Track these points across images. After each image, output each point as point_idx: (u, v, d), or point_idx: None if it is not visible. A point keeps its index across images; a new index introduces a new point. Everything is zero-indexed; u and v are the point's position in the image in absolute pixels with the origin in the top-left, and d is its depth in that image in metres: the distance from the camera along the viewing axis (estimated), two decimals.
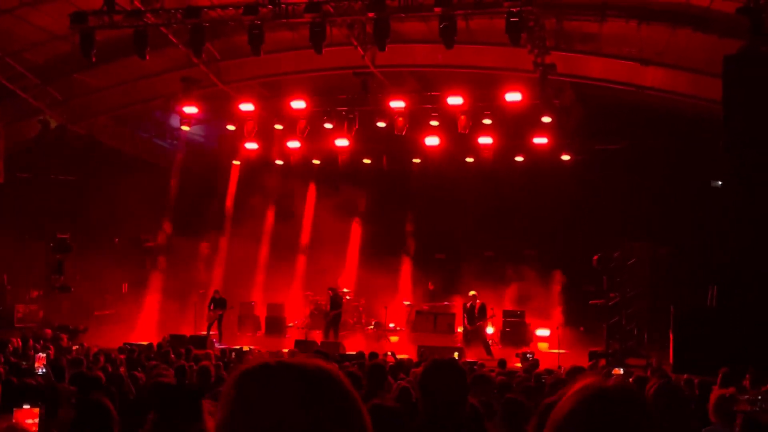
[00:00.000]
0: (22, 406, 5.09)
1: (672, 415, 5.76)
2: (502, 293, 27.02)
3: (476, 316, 24.18)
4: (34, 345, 17.12)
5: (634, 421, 1.85)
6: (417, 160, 28.16)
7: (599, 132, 25.76)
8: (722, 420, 6.57)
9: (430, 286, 28.70)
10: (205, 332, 24.78)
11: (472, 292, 24.78)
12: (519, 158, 27.10)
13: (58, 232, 26.18)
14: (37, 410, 4.33)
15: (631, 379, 10.21)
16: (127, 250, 29.62)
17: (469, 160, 27.63)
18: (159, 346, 18.80)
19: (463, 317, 24.83)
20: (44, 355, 11.36)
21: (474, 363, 17.14)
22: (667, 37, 20.19)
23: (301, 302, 28.79)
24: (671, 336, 18.50)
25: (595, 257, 22.81)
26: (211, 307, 25.64)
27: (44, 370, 10.28)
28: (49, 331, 22.57)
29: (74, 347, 18.83)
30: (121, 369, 11.92)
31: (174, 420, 4.89)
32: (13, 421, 3.80)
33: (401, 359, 18.09)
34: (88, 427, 5.94)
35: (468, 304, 24.60)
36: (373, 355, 18.00)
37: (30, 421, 4.18)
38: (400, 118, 24.24)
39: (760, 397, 5.60)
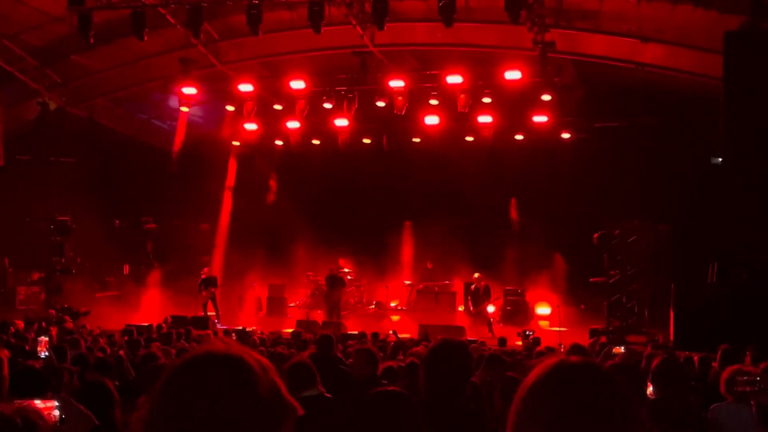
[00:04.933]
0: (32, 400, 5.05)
1: (672, 391, 5.78)
2: (502, 272, 27.06)
3: (481, 298, 24.25)
4: (39, 327, 17.17)
5: (599, 394, 1.88)
6: (417, 140, 28.09)
7: (599, 110, 25.69)
8: (734, 397, 6.59)
9: (429, 266, 28.76)
10: (201, 314, 24.82)
11: (476, 275, 24.83)
12: (519, 137, 27.05)
13: (58, 215, 26.19)
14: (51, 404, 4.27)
15: (644, 357, 10.21)
16: (128, 232, 29.68)
17: (469, 139, 27.59)
18: (159, 327, 18.87)
19: (467, 299, 24.87)
20: (46, 338, 11.36)
21: (474, 341, 17.22)
22: (667, 13, 20.07)
23: (302, 282, 28.85)
24: (672, 313, 18.53)
25: (596, 235, 22.82)
26: (202, 287, 25.64)
27: (47, 354, 10.30)
28: (53, 312, 22.65)
29: (80, 328, 18.92)
30: (121, 352, 11.95)
31: None
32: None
33: (403, 338, 18.18)
34: (89, 408, 5.97)
35: (473, 287, 24.65)
36: (375, 335, 18.14)
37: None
38: (400, 98, 24.18)
39: (758, 378, 5.59)
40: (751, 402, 5.60)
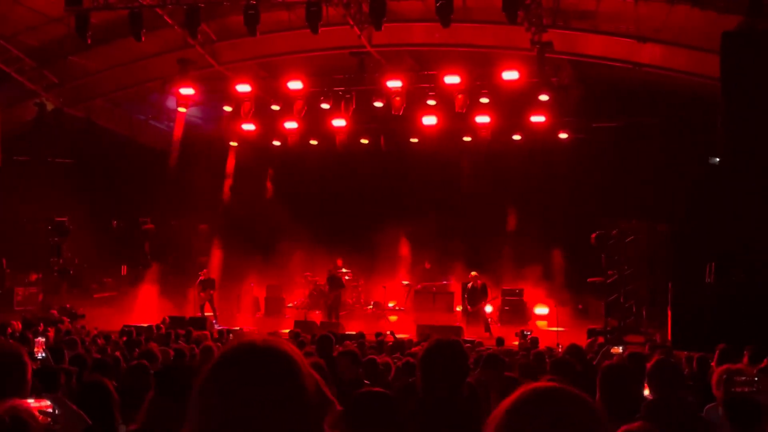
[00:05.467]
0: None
1: (670, 391, 5.78)
2: (500, 272, 27.06)
3: (478, 296, 24.23)
4: (36, 329, 17.14)
5: (571, 419, 1.91)
6: (415, 140, 28.09)
7: (597, 110, 25.70)
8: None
9: (427, 266, 28.75)
10: (199, 315, 24.80)
11: (473, 273, 24.81)
12: (516, 137, 27.06)
13: (56, 215, 26.17)
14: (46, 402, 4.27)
15: (625, 354, 10.24)
16: (125, 233, 29.64)
17: (467, 139, 27.62)
18: (158, 327, 18.87)
19: (464, 298, 24.85)
20: (43, 339, 11.36)
21: (472, 341, 17.22)
22: (665, 13, 20.07)
23: (300, 283, 28.82)
24: (669, 313, 18.54)
25: (594, 235, 22.82)
26: (200, 289, 25.65)
27: (44, 355, 10.29)
28: (54, 312, 22.63)
29: (79, 329, 18.90)
30: (117, 352, 11.94)
31: (172, 400, 4.91)
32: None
33: (401, 338, 18.16)
34: (89, 408, 5.96)
35: (469, 285, 24.63)
36: (378, 335, 18.13)
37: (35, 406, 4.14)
38: (398, 98, 24.18)
39: (756, 378, 5.61)
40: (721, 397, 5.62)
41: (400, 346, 15.60)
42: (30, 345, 12.41)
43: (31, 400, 4.08)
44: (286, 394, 1.83)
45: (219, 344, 13.37)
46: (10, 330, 15.87)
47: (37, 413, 3.80)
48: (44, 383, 6.67)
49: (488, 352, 9.55)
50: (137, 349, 12.33)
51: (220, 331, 20.80)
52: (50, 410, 4.14)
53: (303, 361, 1.92)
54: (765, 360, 10.04)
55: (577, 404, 1.93)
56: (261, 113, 26.52)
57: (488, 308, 24.80)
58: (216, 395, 1.83)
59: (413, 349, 13.13)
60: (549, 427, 1.88)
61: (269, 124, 27.43)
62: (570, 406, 1.92)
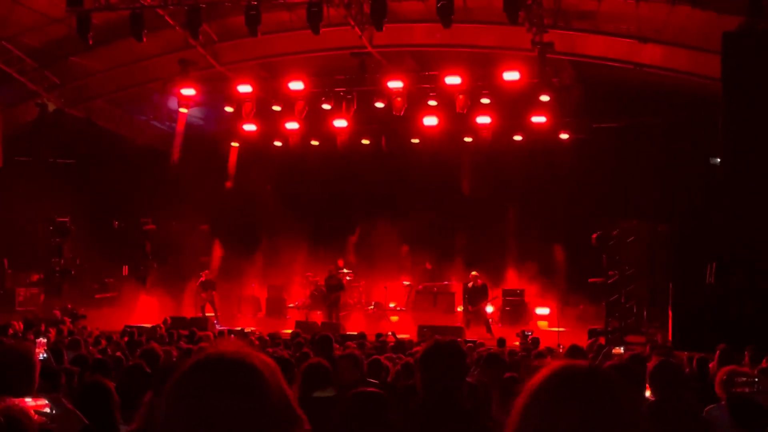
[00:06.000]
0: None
1: (671, 392, 5.78)
2: (501, 272, 27.07)
3: (478, 296, 24.24)
4: (37, 329, 17.15)
5: (598, 397, 1.90)
6: (416, 141, 28.09)
7: (598, 110, 25.70)
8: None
9: (428, 266, 28.74)
10: (200, 315, 24.81)
11: (473, 273, 24.82)
12: (517, 137, 27.07)
13: (57, 216, 26.18)
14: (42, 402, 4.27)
15: (626, 355, 10.23)
16: (127, 233, 29.64)
17: (468, 139, 27.62)
18: (159, 328, 18.88)
19: (464, 298, 24.86)
20: (44, 340, 11.37)
21: (474, 342, 17.23)
22: (666, 13, 20.08)
23: (301, 283, 28.83)
24: (670, 313, 18.53)
25: (594, 235, 22.80)
26: (201, 290, 25.65)
27: (45, 356, 10.30)
28: (57, 313, 22.63)
29: (81, 329, 18.91)
30: (118, 353, 11.94)
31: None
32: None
33: (402, 339, 18.18)
34: (89, 409, 5.97)
35: (470, 285, 24.63)
36: (379, 336, 18.15)
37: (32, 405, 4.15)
38: (399, 99, 24.17)
39: (756, 379, 5.62)
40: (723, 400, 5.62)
41: (401, 346, 15.62)
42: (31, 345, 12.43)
43: (28, 399, 4.09)
44: (248, 405, 1.83)
45: None
46: (11, 331, 15.88)
47: (32, 413, 3.81)
48: (45, 383, 6.68)
49: (488, 352, 9.56)
50: (139, 350, 12.34)
51: (221, 332, 20.81)
52: (46, 410, 4.15)
53: (274, 375, 1.91)
54: (765, 360, 10.06)
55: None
56: (262, 114, 26.51)
57: (489, 308, 24.81)
58: (179, 400, 1.86)
59: (413, 350, 13.13)
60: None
61: (270, 124, 27.41)
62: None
